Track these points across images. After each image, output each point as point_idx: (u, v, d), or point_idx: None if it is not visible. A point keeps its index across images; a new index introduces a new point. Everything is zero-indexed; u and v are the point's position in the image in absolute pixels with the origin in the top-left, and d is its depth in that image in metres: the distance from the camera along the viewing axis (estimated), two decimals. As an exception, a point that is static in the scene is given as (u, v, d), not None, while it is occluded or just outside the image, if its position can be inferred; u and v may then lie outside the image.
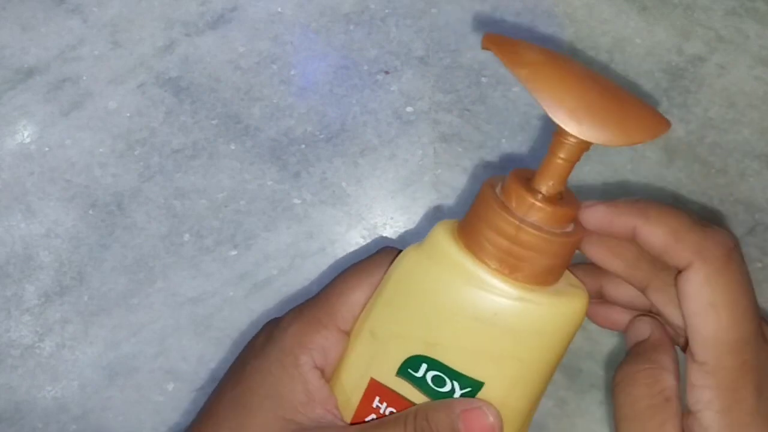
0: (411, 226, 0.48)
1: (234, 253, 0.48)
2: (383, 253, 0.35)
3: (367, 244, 0.47)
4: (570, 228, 0.30)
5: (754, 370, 0.32)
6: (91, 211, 0.47)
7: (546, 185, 0.29)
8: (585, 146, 0.28)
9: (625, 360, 0.33)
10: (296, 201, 0.48)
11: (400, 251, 0.33)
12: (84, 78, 0.47)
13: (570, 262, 0.31)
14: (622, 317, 0.36)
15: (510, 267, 0.29)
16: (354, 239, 0.48)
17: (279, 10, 0.47)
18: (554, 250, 0.29)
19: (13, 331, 0.47)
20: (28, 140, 0.47)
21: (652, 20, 0.49)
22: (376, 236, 0.48)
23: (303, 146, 0.49)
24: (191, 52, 0.48)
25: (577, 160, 0.29)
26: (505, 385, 0.30)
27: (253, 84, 0.49)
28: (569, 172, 0.29)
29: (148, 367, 0.47)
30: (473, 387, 0.30)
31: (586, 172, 0.49)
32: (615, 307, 0.36)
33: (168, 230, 0.48)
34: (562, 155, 0.29)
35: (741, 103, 0.49)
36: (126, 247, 0.47)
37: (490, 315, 0.29)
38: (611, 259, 0.34)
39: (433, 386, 0.30)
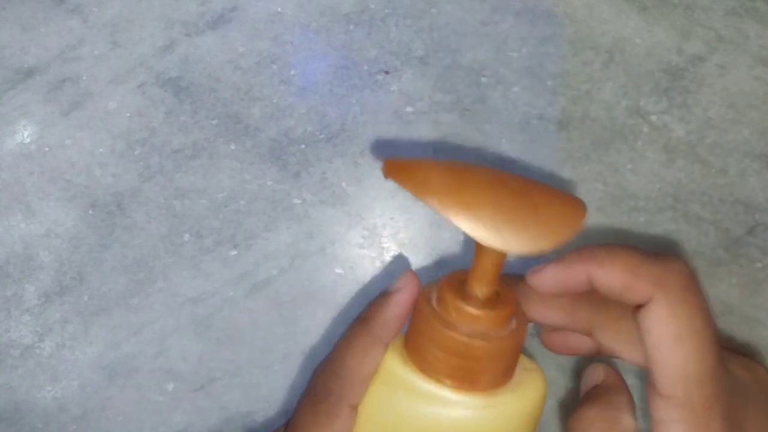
0: (411, 226, 0.48)
1: (234, 253, 0.48)
2: (371, 312, 0.34)
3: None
4: (513, 323, 0.31)
5: (721, 401, 0.32)
6: (91, 211, 0.47)
7: (481, 290, 0.30)
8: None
9: (581, 403, 0.33)
10: (296, 201, 0.48)
11: (387, 296, 0.33)
12: (84, 78, 0.47)
13: (520, 353, 0.32)
14: (579, 341, 0.35)
15: (466, 380, 0.30)
16: (354, 239, 0.48)
17: (279, 10, 0.47)
18: (505, 353, 0.30)
19: (13, 331, 0.47)
20: (28, 140, 0.47)
21: (652, 20, 0.49)
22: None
23: (303, 146, 0.49)
24: (191, 52, 0.48)
25: (505, 259, 0.30)
26: None
27: (253, 84, 0.49)
28: (500, 271, 0.30)
29: (148, 367, 0.47)
30: None
31: (586, 172, 0.49)
32: (570, 333, 0.36)
33: (168, 230, 0.48)
34: (489, 261, 0.29)
35: (741, 103, 0.49)
36: (126, 247, 0.47)
37: (454, 429, 0.30)
38: (548, 313, 0.34)
39: None
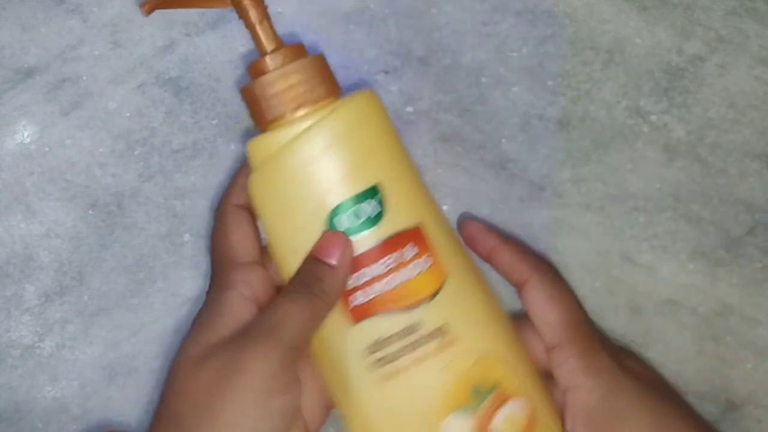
0: (411, 226, 0.48)
1: (234, 253, 0.47)
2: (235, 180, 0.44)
3: None
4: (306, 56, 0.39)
5: (600, 338, 0.42)
6: (91, 211, 0.47)
7: (265, 48, 0.39)
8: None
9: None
10: (296, 201, 0.48)
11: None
12: (84, 78, 0.47)
13: (329, 76, 0.40)
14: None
15: (303, 103, 0.38)
16: (354, 239, 0.48)
17: (279, 10, 0.47)
18: (314, 69, 0.39)
19: (13, 331, 0.47)
20: (28, 140, 0.47)
21: (652, 20, 0.49)
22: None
23: (303, 146, 0.49)
24: (191, 52, 0.48)
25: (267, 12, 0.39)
26: (393, 181, 0.39)
27: (253, 84, 0.49)
28: (271, 26, 0.40)
29: (148, 367, 0.47)
30: (374, 192, 0.38)
31: (586, 172, 0.49)
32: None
33: (168, 230, 0.48)
34: (255, 17, 0.39)
35: (741, 103, 0.49)
36: (126, 247, 0.47)
37: (320, 145, 0.37)
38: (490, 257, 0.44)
39: (357, 221, 0.38)
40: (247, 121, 0.48)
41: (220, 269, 0.41)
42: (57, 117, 0.47)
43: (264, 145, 0.38)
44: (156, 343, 0.47)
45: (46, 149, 0.47)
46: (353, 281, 0.37)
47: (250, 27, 0.39)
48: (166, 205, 0.48)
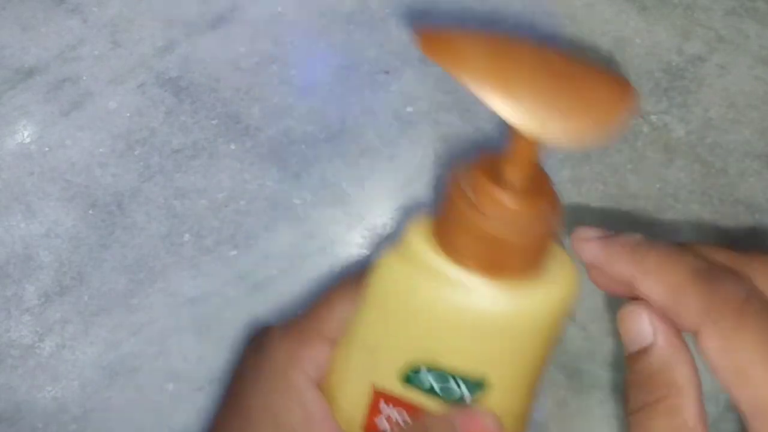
0: (411, 226, 0.48)
1: (234, 253, 0.48)
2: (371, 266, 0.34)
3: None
4: (548, 213, 0.28)
5: None
6: (91, 211, 0.47)
7: (516, 177, 0.27)
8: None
9: (634, 382, 0.28)
10: (296, 201, 0.48)
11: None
12: (84, 78, 0.47)
13: (551, 242, 0.30)
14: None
15: (495, 269, 0.28)
16: (354, 239, 0.48)
17: (279, 10, 0.47)
18: (536, 245, 0.28)
19: (13, 331, 0.47)
20: (28, 140, 0.47)
21: (652, 20, 0.49)
22: (377, 238, 0.48)
23: (303, 146, 0.49)
24: (191, 52, 0.48)
25: (537, 147, 0.27)
26: (506, 379, 0.30)
27: (253, 84, 0.49)
28: (537, 157, 0.27)
29: (148, 367, 0.47)
30: (478, 385, 0.30)
31: (586, 172, 0.49)
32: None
33: (168, 230, 0.48)
34: (526, 148, 0.27)
35: (741, 103, 0.49)
36: (126, 247, 0.47)
37: (479, 317, 0.29)
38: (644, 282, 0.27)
39: (439, 389, 0.30)
40: (247, 121, 0.48)
41: (285, 336, 0.35)
42: (57, 117, 0.47)
43: (437, 263, 0.29)
44: (156, 343, 0.47)
45: (46, 149, 0.47)
46: None
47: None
48: (166, 205, 0.48)
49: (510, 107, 0.25)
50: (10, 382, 0.46)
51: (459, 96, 0.49)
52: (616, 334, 0.49)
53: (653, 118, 0.49)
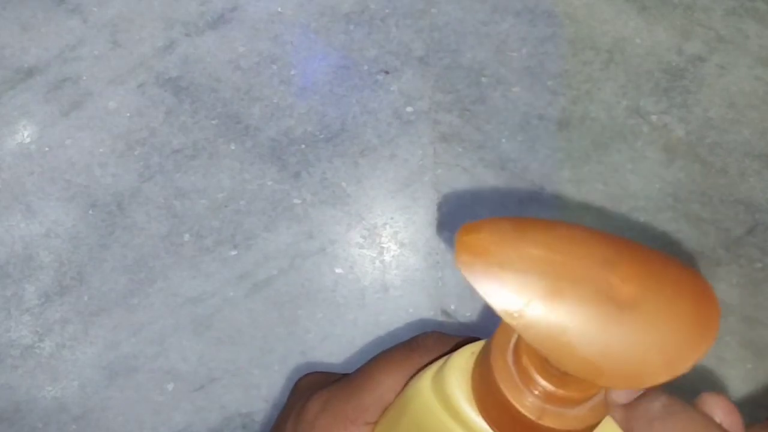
0: (411, 226, 0.48)
1: (234, 253, 0.48)
2: (421, 341, 0.32)
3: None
4: (592, 404, 0.26)
5: None
6: (91, 211, 0.47)
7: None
8: None
9: None
10: (296, 201, 0.48)
11: (434, 335, 0.31)
12: (84, 78, 0.47)
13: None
14: None
15: None
16: (354, 239, 0.48)
17: (279, 10, 0.47)
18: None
19: (13, 331, 0.47)
20: (28, 140, 0.47)
21: (652, 20, 0.49)
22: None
23: (303, 146, 0.49)
24: (191, 52, 0.48)
25: None
26: None
27: (253, 84, 0.49)
28: None
29: (148, 367, 0.47)
30: None
31: (586, 172, 0.49)
32: None
33: (168, 230, 0.48)
34: None
35: (741, 103, 0.49)
36: (126, 247, 0.47)
37: None
38: None
39: None
40: (247, 121, 0.48)
41: (324, 414, 0.35)
42: (57, 117, 0.47)
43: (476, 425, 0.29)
44: (156, 343, 0.47)
45: (46, 149, 0.47)
46: None
47: None
48: (166, 205, 0.48)
49: (553, 345, 0.20)
50: (10, 382, 0.46)
51: (459, 96, 0.49)
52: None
53: (653, 118, 0.49)
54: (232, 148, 0.48)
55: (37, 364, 0.46)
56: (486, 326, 0.46)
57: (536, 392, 0.22)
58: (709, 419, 0.23)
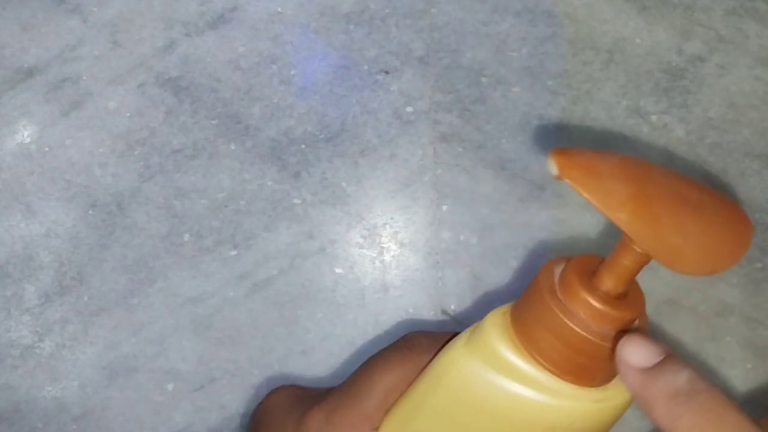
0: (411, 226, 0.48)
1: (234, 253, 0.48)
2: (415, 341, 0.32)
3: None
4: (636, 325, 0.28)
5: None
6: (91, 211, 0.47)
7: (611, 285, 0.26)
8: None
9: None
10: (296, 201, 0.48)
11: (425, 334, 0.31)
12: (84, 78, 0.47)
13: None
14: None
15: (583, 377, 0.27)
16: (354, 239, 0.48)
17: (279, 10, 0.47)
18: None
19: (13, 331, 0.47)
20: (28, 140, 0.47)
21: (652, 20, 0.49)
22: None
23: (303, 146, 0.49)
24: (191, 52, 0.48)
25: (647, 263, 0.26)
26: None
27: (253, 84, 0.49)
28: (637, 273, 0.27)
29: (148, 367, 0.47)
30: None
31: (586, 172, 0.49)
32: None
33: (168, 230, 0.48)
34: (633, 261, 0.26)
35: (741, 103, 0.49)
36: (126, 247, 0.47)
37: (567, 423, 0.27)
38: None
39: None
40: (247, 121, 0.48)
41: (329, 426, 0.33)
42: (57, 117, 0.47)
43: (518, 362, 0.28)
44: (156, 343, 0.47)
45: (46, 149, 0.47)
46: None
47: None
48: (166, 205, 0.48)
49: (657, 243, 0.24)
50: (10, 382, 0.46)
51: (459, 96, 0.49)
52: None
53: (653, 118, 0.49)
54: (232, 148, 0.48)
55: (37, 364, 0.46)
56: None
57: (591, 318, 0.26)
58: (736, 405, 0.23)
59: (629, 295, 0.27)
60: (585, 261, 0.27)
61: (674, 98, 0.49)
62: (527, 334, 0.27)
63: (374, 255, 0.47)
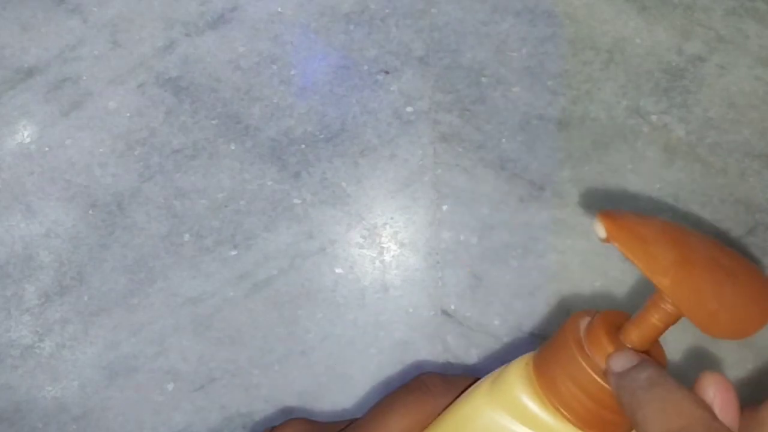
0: (411, 226, 0.48)
1: (234, 253, 0.48)
2: (430, 384, 0.32)
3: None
4: None
5: None
6: (91, 211, 0.47)
7: (637, 341, 0.27)
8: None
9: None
10: (296, 201, 0.48)
11: (441, 377, 0.31)
12: (84, 78, 0.47)
13: None
14: None
15: (600, 428, 0.27)
16: (354, 239, 0.48)
17: (279, 10, 0.47)
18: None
19: (13, 331, 0.47)
20: (28, 140, 0.47)
21: (652, 20, 0.49)
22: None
23: (303, 146, 0.49)
24: (191, 52, 0.48)
25: (672, 324, 0.27)
26: None
27: (253, 84, 0.49)
28: (663, 333, 0.27)
29: (148, 367, 0.47)
30: None
31: (586, 172, 0.49)
32: None
33: (168, 230, 0.48)
34: (659, 319, 0.27)
35: (741, 103, 0.49)
36: (126, 247, 0.47)
37: None
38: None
39: None
40: (247, 121, 0.47)
41: None
42: (57, 117, 0.47)
43: (539, 412, 0.28)
44: (156, 343, 0.47)
45: (46, 149, 0.47)
46: None
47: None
48: (166, 205, 0.48)
49: (695, 309, 0.25)
50: (10, 382, 0.46)
51: (459, 96, 0.49)
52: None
53: (653, 118, 0.49)
54: (232, 148, 0.48)
55: (37, 364, 0.46)
56: (486, 325, 0.46)
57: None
58: (689, 393, 0.26)
59: (651, 352, 0.28)
60: (612, 315, 0.28)
61: (674, 98, 0.49)
62: (551, 384, 0.27)
63: (374, 255, 0.47)
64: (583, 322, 0.28)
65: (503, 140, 0.49)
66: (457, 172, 0.49)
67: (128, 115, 0.47)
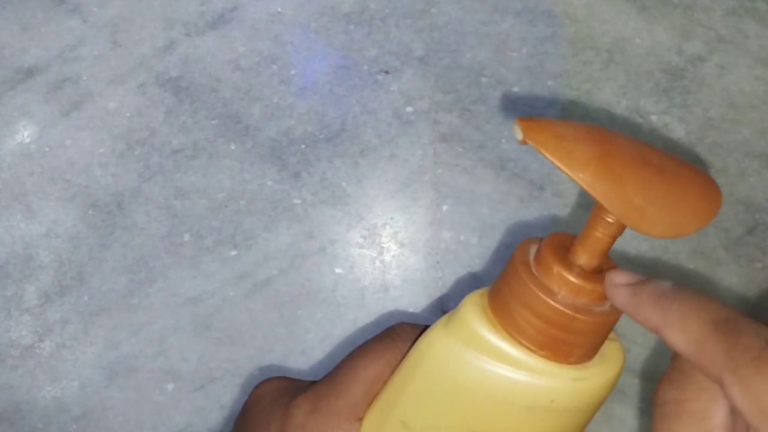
0: (411, 226, 0.48)
1: (234, 253, 0.48)
2: (399, 330, 0.33)
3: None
4: (608, 305, 0.28)
5: None
6: (91, 211, 0.47)
7: (585, 259, 0.27)
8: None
9: (669, 377, 0.28)
10: (296, 201, 0.48)
11: (410, 324, 0.31)
12: (84, 78, 0.47)
13: (608, 327, 0.29)
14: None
15: (561, 353, 0.27)
16: (354, 239, 0.48)
17: (279, 10, 0.47)
18: (602, 329, 0.28)
19: (13, 331, 0.47)
20: (28, 140, 0.47)
21: (652, 20, 0.49)
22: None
23: (303, 146, 0.49)
24: (191, 52, 0.48)
25: (620, 235, 0.27)
26: None
27: (253, 84, 0.49)
28: (610, 246, 0.27)
29: (148, 367, 0.47)
30: None
31: (586, 172, 0.49)
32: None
33: (168, 230, 0.48)
34: (606, 233, 0.27)
35: (741, 103, 0.49)
36: (126, 247, 0.47)
37: (546, 402, 0.27)
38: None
39: None
40: (247, 121, 0.47)
41: (314, 416, 0.33)
42: (57, 117, 0.47)
43: (495, 341, 0.28)
44: (156, 343, 0.47)
45: (46, 149, 0.47)
46: None
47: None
48: (166, 205, 0.48)
49: (619, 203, 0.25)
50: (10, 382, 0.46)
51: (459, 96, 0.49)
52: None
53: (653, 118, 0.49)
54: (232, 148, 0.48)
55: (37, 364, 0.46)
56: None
57: (566, 292, 0.26)
58: (719, 301, 0.25)
59: (604, 270, 0.27)
60: (559, 238, 0.28)
61: (674, 98, 0.49)
62: (504, 311, 0.28)
63: (374, 255, 0.47)
64: (533, 248, 0.28)
65: (503, 140, 0.49)
66: (457, 172, 0.49)
67: (128, 115, 0.47)
